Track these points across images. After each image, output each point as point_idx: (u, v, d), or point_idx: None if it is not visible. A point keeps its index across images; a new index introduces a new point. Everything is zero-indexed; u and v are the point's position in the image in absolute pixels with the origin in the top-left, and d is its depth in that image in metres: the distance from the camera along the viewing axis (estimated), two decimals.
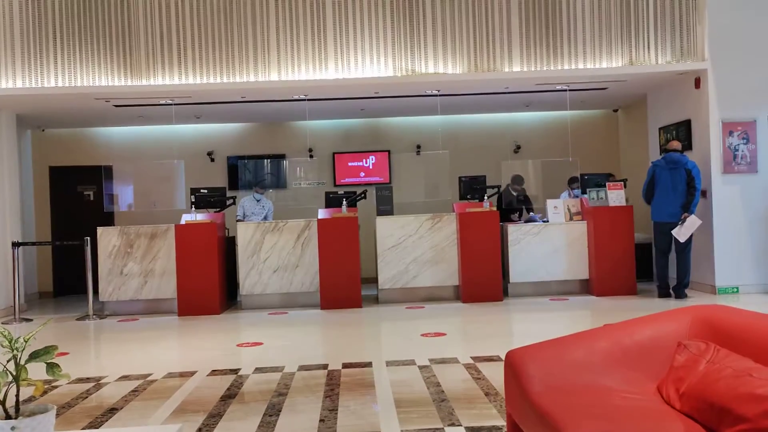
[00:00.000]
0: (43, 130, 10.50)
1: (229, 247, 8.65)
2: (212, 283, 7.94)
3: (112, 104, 8.56)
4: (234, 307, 8.50)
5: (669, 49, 7.97)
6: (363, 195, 8.60)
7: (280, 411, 3.80)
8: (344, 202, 8.27)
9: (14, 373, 1.59)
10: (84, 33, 7.81)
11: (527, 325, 6.81)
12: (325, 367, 4.91)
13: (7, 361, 1.67)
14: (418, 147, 10.78)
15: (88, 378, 4.81)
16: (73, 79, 7.81)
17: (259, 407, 3.90)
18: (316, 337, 6.66)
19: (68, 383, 4.62)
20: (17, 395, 1.63)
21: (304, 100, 8.68)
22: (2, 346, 1.63)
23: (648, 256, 9.11)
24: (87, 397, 4.30)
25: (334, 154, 10.82)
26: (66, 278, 10.40)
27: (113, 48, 7.85)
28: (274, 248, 8.17)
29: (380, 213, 8.40)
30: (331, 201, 8.57)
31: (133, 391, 4.42)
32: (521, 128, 10.92)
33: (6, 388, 1.57)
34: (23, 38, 7.75)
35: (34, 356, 1.63)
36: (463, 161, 10.22)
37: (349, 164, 10.86)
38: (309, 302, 8.21)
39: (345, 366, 4.90)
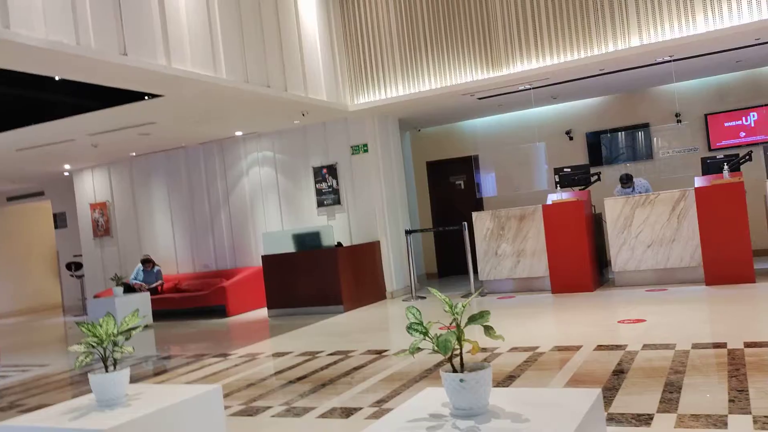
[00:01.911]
0: (419, 130, 11.81)
1: (596, 224, 8.53)
2: (583, 261, 7.94)
3: (476, 97, 9.18)
4: (606, 284, 8.36)
5: None
6: (748, 157, 7.62)
7: (680, 388, 3.63)
8: (725, 167, 7.46)
9: (458, 335, 1.86)
10: (449, 36, 8.53)
11: None
12: (722, 345, 4.52)
13: (449, 324, 1.96)
14: None
15: (483, 348, 5.28)
16: (442, 79, 8.61)
17: (654, 383, 3.79)
18: (704, 314, 6.15)
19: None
20: (460, 354, 1.91)
21: (670, 61, 8.05)
22: (444, 311, 1.92)
23: None
24: None
25: (706, 115, 9.80)
26: (448, 260, 11.53)
27: (475, 44, 8.40)
28: (646, 222, 7.78)
29: None
30: (709, 167, 7.82)
31: (525, 361, 4.70)
32: None
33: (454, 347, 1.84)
34: (401, 51, 8.83)
35: (472, 320, 1.88)
36: None
37: (726, 124, 9.72)
38: (689, 278, 7.63)
39: (747, 345, 4.43)
